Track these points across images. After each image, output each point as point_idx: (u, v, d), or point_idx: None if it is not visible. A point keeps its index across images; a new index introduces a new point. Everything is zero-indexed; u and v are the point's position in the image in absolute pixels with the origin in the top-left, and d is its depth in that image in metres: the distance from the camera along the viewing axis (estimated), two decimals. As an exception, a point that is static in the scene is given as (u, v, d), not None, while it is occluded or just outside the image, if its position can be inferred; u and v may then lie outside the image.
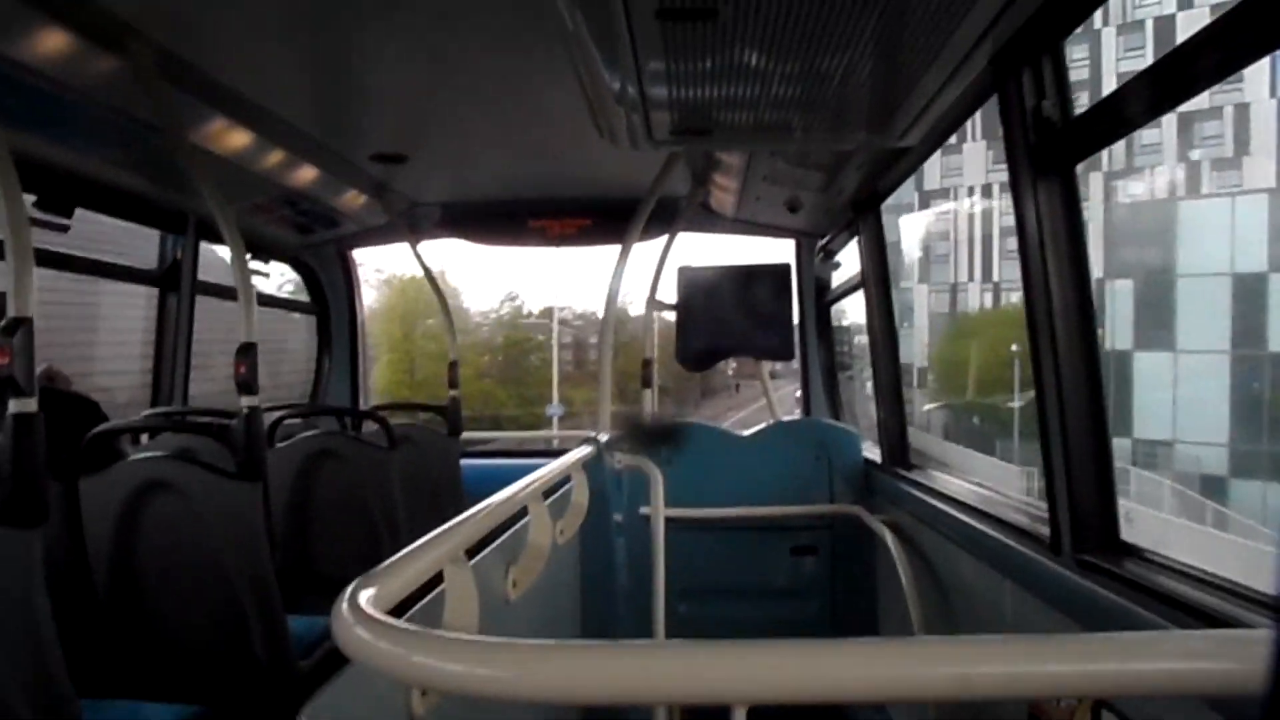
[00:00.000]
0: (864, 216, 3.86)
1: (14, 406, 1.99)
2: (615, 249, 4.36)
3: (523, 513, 2.28)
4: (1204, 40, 1.51)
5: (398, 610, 1.16)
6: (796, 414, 5.19)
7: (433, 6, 2.59)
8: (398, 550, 1.41)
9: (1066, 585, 1.99)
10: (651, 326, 4.78)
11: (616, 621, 3.76)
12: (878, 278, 3.88)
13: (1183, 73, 1.59)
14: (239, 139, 3.48)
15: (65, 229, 3.35)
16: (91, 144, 3.21)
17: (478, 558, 1.77)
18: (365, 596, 1.12)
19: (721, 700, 0.94)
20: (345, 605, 1.09)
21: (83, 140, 3.17)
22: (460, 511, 1.73)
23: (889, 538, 3.38)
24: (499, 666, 0.93)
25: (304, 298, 5.52)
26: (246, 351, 2.94)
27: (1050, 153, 2.01)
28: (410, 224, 5.06)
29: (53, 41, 2.51)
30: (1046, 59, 2.01)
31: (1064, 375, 2.00)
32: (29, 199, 3.05)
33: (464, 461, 5.01)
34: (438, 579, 1.58)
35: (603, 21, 1.95)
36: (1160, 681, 0.98)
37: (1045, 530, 2.17)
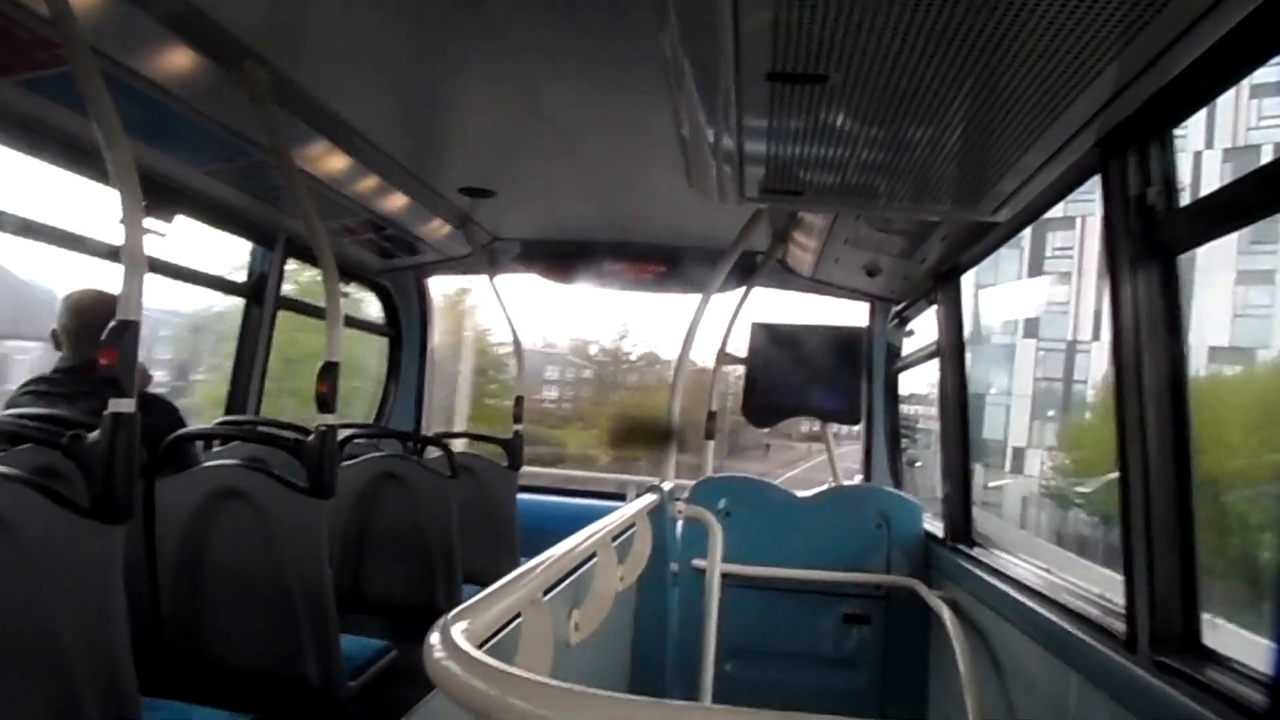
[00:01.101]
0: (944, 286, 3.83)
1: (113, 406, 2.05)
2: (682, 298, 4.38)
3: (587, 555, 2.28)
4: None
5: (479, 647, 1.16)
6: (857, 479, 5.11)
7: (532, 45, 2.66)
8: (450, 578, 1.42)
9: (1140, 686, 1.92)
10: (714, 379, 4.79)
11: (664, 674, 3.72)
12: (954, 348, 3.83)
13: None
14: (336, 163, 3.59)
15: (163, 235, 3.48)
16: (198, 157, 3.34)
17: (547, 598, 1.78)
18: (458, 630, 1.12)
19: None
20: (438, 637, 1.10)
21: (191, 153, 3.30)
22: (514, 545, 1.74)
23: (946, 615, 3.30)
24: (583, 717, 0.93)
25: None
26: (329, 371, 3.00)
27: (1152, 241, 1.98)
28: (490, 257, 5.15)
29: (178, 59, 2.63)
30: (1154, 145, 1.99)
31: (1152, 467, 1.95)
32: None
33: (520, 496, 5.03)
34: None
35: (710, 75, 1.97)
36: None
37: (1119, 625, 2.10)
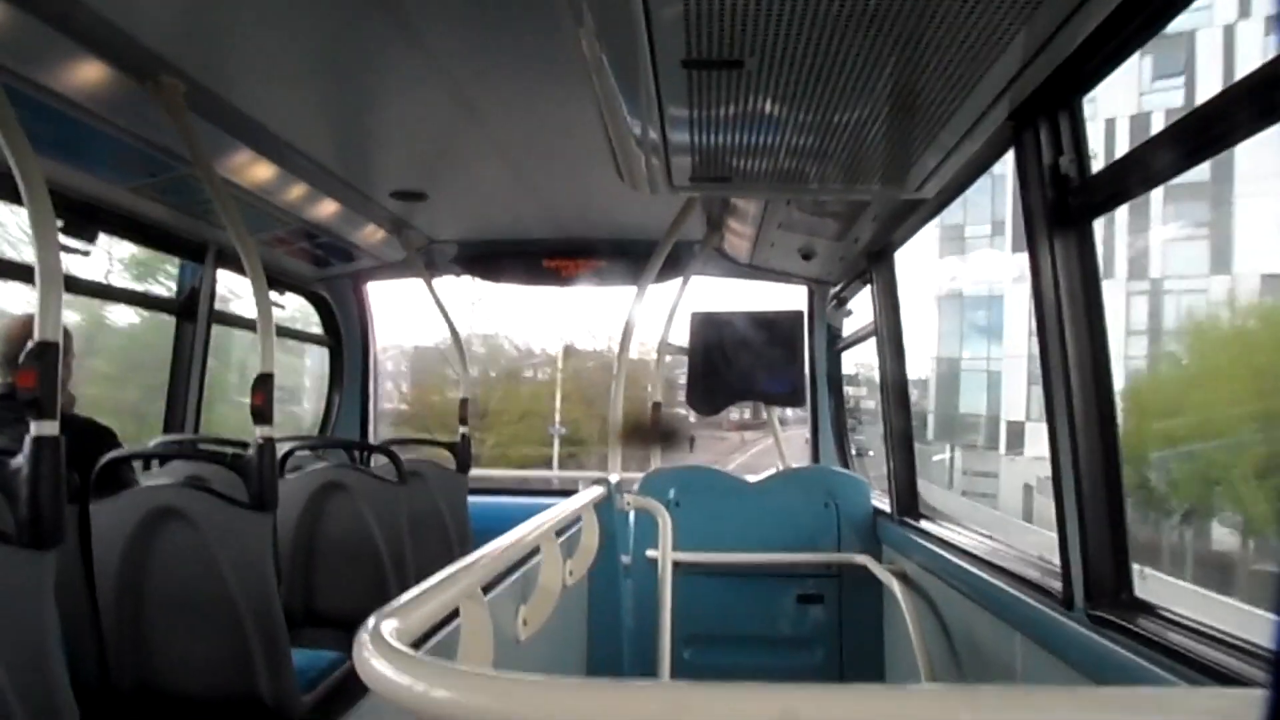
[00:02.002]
0: (878, 266, 3.89)
1: (36, 429, 2.00)
2: (626, 290, 4.39)
3: (533, 551, 2.27)
4: (1222, 103, 1.54)
5: (414, 646, 1.15)
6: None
7: (456, 48, 2.64)
8: (403, 586, 1.41)
9: (1078, 640, 1.98)
10: (657, 370, 4.82)
11: (621, 665, 3.73)
12: (891, 327, 3.89)
13: (1199, 134, 1.61)
14: (262, 172, 3.53)
15: (87, 254, 3.39)
16: (118, 173, 3.26)
17: (490, 595, 1.77)
18: (388, 629, 1.12)
19: None
20: (368, 636, 1.09)
21: (109, 169, 3.22)
22: (467, 548, 1.73)
23: (897, 587, 3.36)
24: (528, 703, 0.93)
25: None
26: (264, 382, 2.96)
27: (1066, 209, 2.03)
28: (426, 261, 5.11)
29: (88, 73, 2.56)
30: (1064, 116, 2.04)
31: (1078, 429, 2.01)
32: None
33: (471, 499, 5.00)
34: (446, 616, 1.58)
35: (628, 67, 1.98)
36: None
37: (1056, 584, 2.16)
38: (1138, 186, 1.84)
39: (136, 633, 2.88)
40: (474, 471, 5.22)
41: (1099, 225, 2.07)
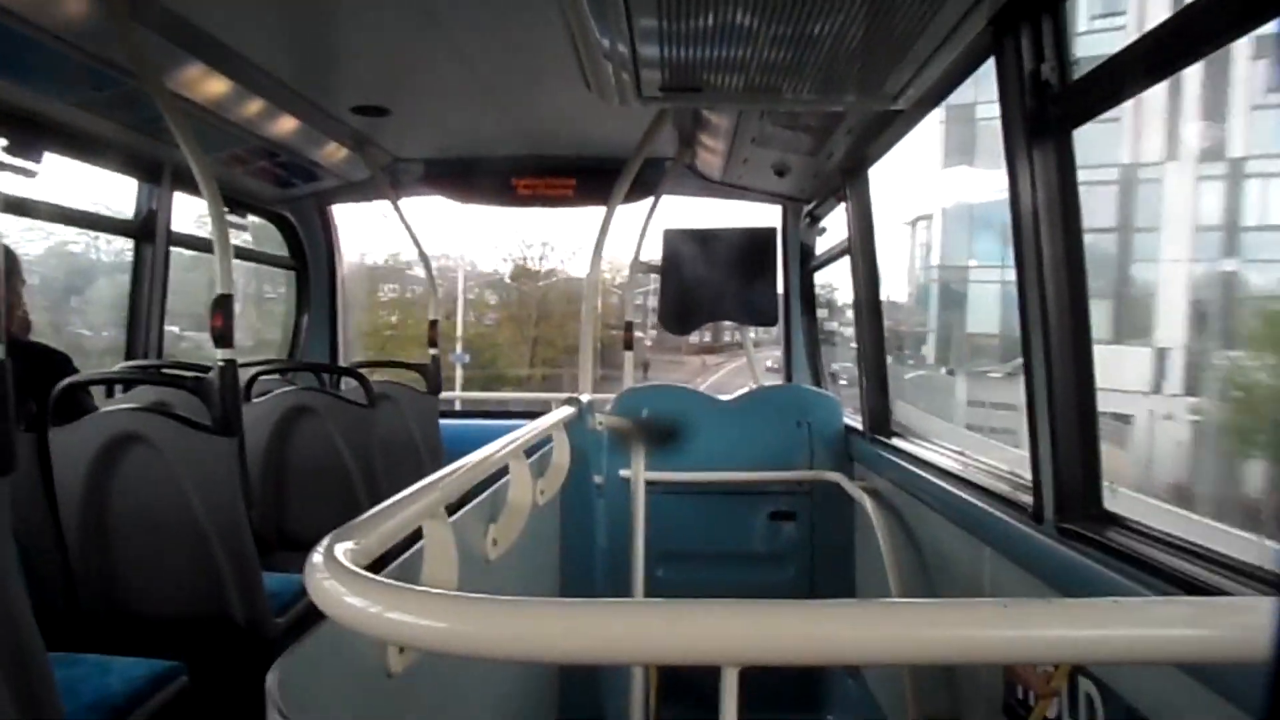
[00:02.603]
0: (853, 182, 3.82)
1: None
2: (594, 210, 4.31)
3: (503, 472, 2.25)
4: (1201, 8, 1.48)
5: (374, 567, 1.13)
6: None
7: None
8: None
9: (1047, 553, 1.99)
10: (629, 289, 4.77)
11: (594, 584, 3.76)
12: (864, 244, 3.85)
13: (1182, 37, 1.56)
14: (216, 87, 3.39)
15: (33, 175, 3.26)
16: (63, 88, 3.11)
17: (457, 515, 1.75)
18: (341, 550, 1.08)
19: (713, 660, 0.92)
20: (320, 558, 1.06)
21: (53, 84, 3.07)
22: (438, 470, 1.70)
23: (869, 504, 3.39)
24: (482, 624, 0.91)
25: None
26: (222, 304, 2.89)
27: (1047, 118, 1.98)
28: (392, 180, 4.99)
29: None
30: (1047, 20, 1.97)
31: (1052, 343, 1.99)
32: (-2, 142, 2.97)
33: (443, 422, 4.98)
34: (415, 537, 1.56)
35: None
36: (1139, 648, 0.98)
37: (1027, 498, 2.17)
38: (1121, 93, 1.79)
39: (103, 559, 2.86)
40: (446, 394, 5.19)
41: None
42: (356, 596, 0.97)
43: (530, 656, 0.92)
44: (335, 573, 1.02)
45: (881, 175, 3.78)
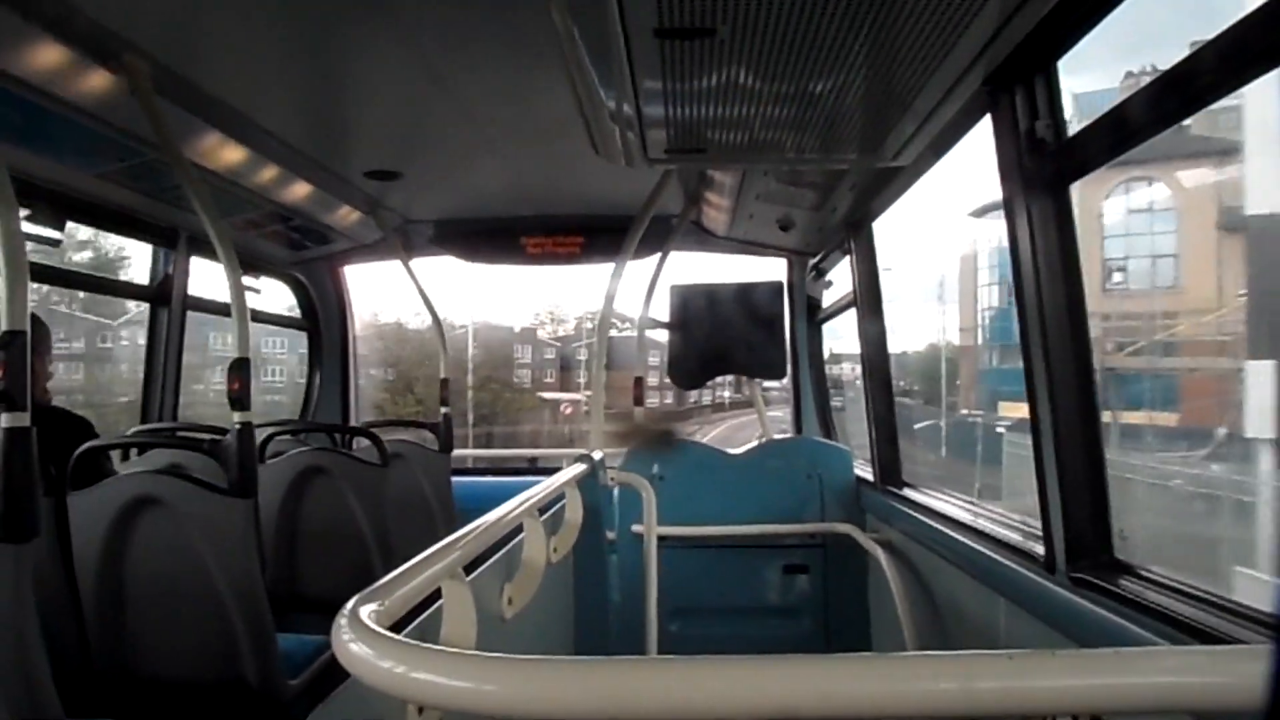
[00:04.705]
0: (857, 235, 3.88)
1: (6, 421, 1.97)
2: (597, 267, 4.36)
3: (517, 530, 2.27)
4: (1197, 61, 1.53)
5: (394, 627, 1.15)
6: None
7: (428, 24, 2.60)
8: (389, 568, 1.39)
9: (1060, 603, 1.99)
10: (639, 346, 4.81)
11: (609, 639, 3.74)
12: (870, 297, 3.89)
13: (1176, 94, 1.60)
14: (233, 154, 3.48)
15: (57, 244, 3.34)
16: (84, 158, 3.20)
17: (474, 575, 1.76)
18: (366, 612, 1.11)
19: (724, 715, 0.93)
20: (346, 620, 1.08)
21: (75, 155, 3.16)
22: (451, 529, 1.72)
23: (881, 556, 3.38)
24: (506, 683, 0.93)
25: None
26: (240, 367, 2.92)
27: (1043, 173, 2.03)
28: (403, 241, 5.06)
29: (48, 55, 2.50)
30: (1040, 80, 2.03)
31: (1057, 394, 2.01)
32: (21, 213, 3.04)
33: (455, 479, 4.99)
34: (432, 595, 1.57)
35: (600, 39, 1.95)
36: (1156, 697, 0.98)
37: (1039, 548, 2.17)
38: (1115, 149, 1.84)
39: (119, 623, 2.86)
40: (457, 451, 5.21)
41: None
42: (383, 658, 0.99)
43: (556, 715, 0.93)
44: (362, 635, 1.04)
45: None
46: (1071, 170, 1.98)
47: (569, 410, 20.29)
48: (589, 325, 22.09)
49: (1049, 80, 2.04)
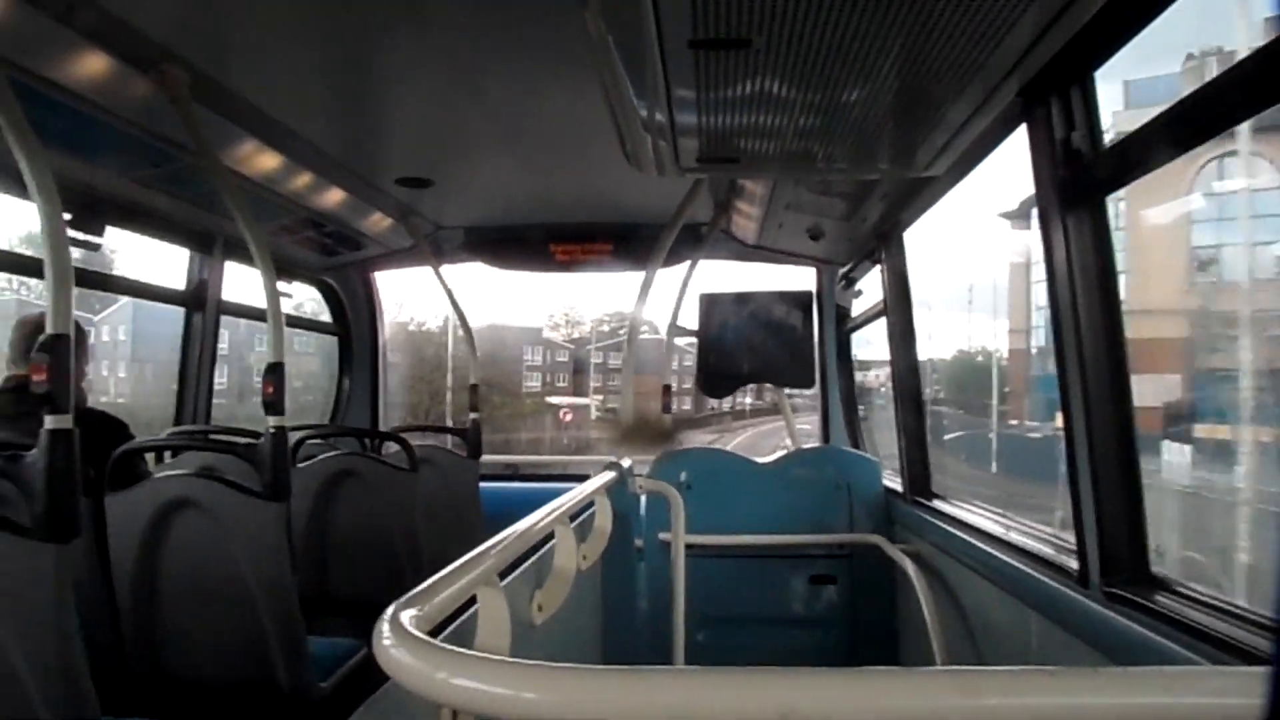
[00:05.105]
0: (887, 244, 3.86)
1: (50, 423, 2.01)
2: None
3: (547, 537, 2.28)
4: (1237, 76, 1.52)
5: (432, 634, 1.16)
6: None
7: (461, 32, 2.63)
8: (417, 572, 1.41)
9: (1094, 618, 1.97)
10: (667, 354, 4.81)
11: (637, 648, 3.74)
12: (901, 306, 3.87)
13: (1214, 107, 1.59)
14: (268, 161, 3.52)
15: (97, 248, 3.40)
16: (124, 164, 3.26)
17: (505, 581, 1.78)
18: (407, 617, 1.12)
19: None
20: (387, 625, 1.09)
21: (116, 161, 3.22)
22: (479, 534, 1.73)
23: (910, 568, 3.36)
24: (546, 691, 0.93)
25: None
26: (274, 371, 2.96)
27: (1079, 185, 2.01)
28: (433, 248, 5.10)
29: (90, 64, 2.56)
30: (1076, 90, 2.02)
31: (1093, 407, 1.99)
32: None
33: (482, 485, 5.02)
34: (466, 602, 1.58)
35: (634, 48, 1.96)
36: (1194, 718, 0.97)
37: (1072, 562, 2.15)
38: (1153, 161, 1.82)
39: (154, 623, 2.90)
40: (485, 457, 5.24)
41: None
42: (425, 663, 1.00)
43: None
44: (403, 640, 1.05)
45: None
46: (1108, 182, 1.97)
47: (569, 416, 19.73)
48: (604, 329, 21.92)
49: (1085, 91, 2.03)
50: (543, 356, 22.04)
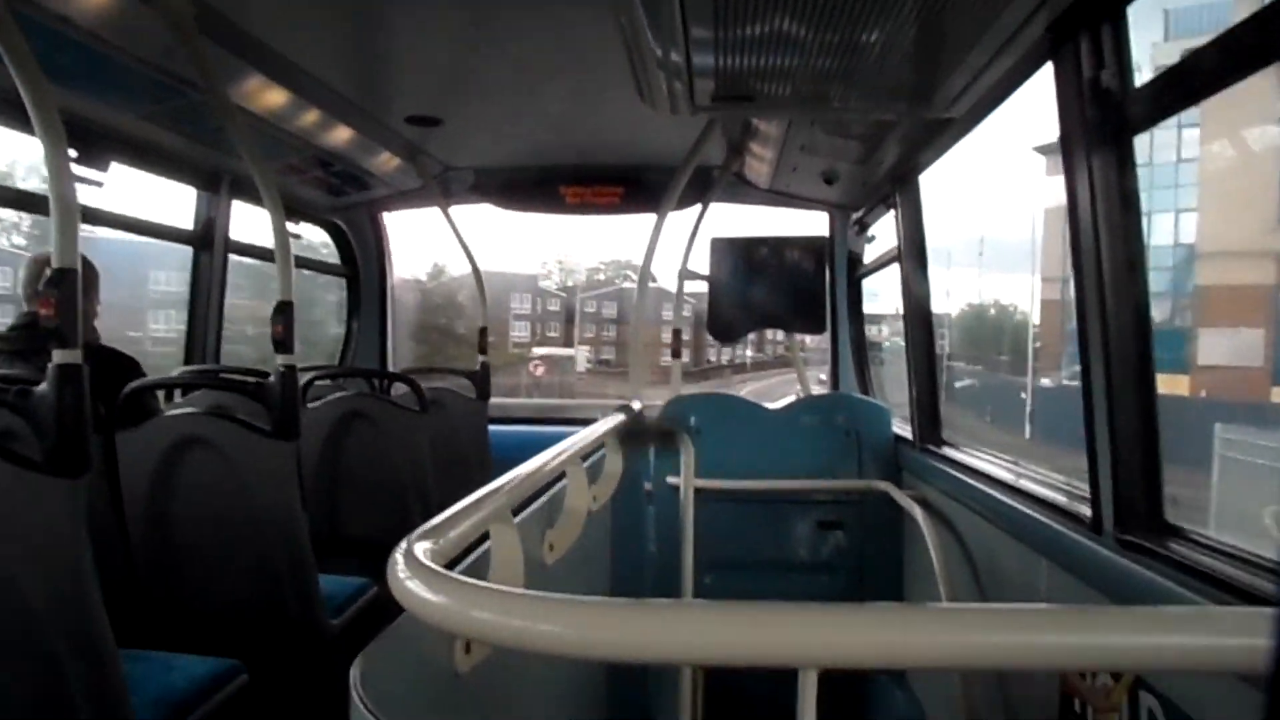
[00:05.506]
0: (903, 189, 3.81)
1: (58, 357, 2.00)
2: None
3: (557, 479, 2.28)
4: (1270, 14, 1.46)
5: (447, 568, 1.15)
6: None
7: None
8: (426, 512, 1.41)
9: (1107, 565, 1.97)
10: (678, 297, 4.78)
11: (645, 590, 3.77)
12: (915, 252, 3.83)
13: (1248, 44, 1.54)
14: (275, 98, 3.47)
15: (100, 185, 3.37)
16: (128, 100, 3.21)
17: (518, 519, 1.78)
18: (421, 549, 1.11)
19: (795, 663, 0.93)
20: (402, 557, 1.09)
21: (120, 96, 3.17)
22: (488, 476, 1.72)
23: (919, 514, 3.36)
24: (564, 623, 0.93)
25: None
26: (283, 310, 2.95)
27: (1107, 125, 1.96)
28: (442, 188, 5.06)
29: None
30: (1106, 26, 1.96)
31: (1113, 351, 1.97)
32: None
33: (491, 427, 5.03)
34: (476, 539, 1.58)
35: None
36: (1201, 658, 0.97)
37: (1085, 509, 2.14)
38: (1186, 99, 1.77)
39: (167, 557, 2.94)
40: (494, 400, 5.25)
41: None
42: (441, 595, 1.00)
43: (616, 656, 0.94)
44: (418, 572, 1.04)
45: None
46: (1138, 122, 1.92)
47: (539, 370, 19.02)
48: (600, 276, 21.46)
49: (1116, 27, 1.97)
50: (533, 305, 20.88)
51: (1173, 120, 2.11)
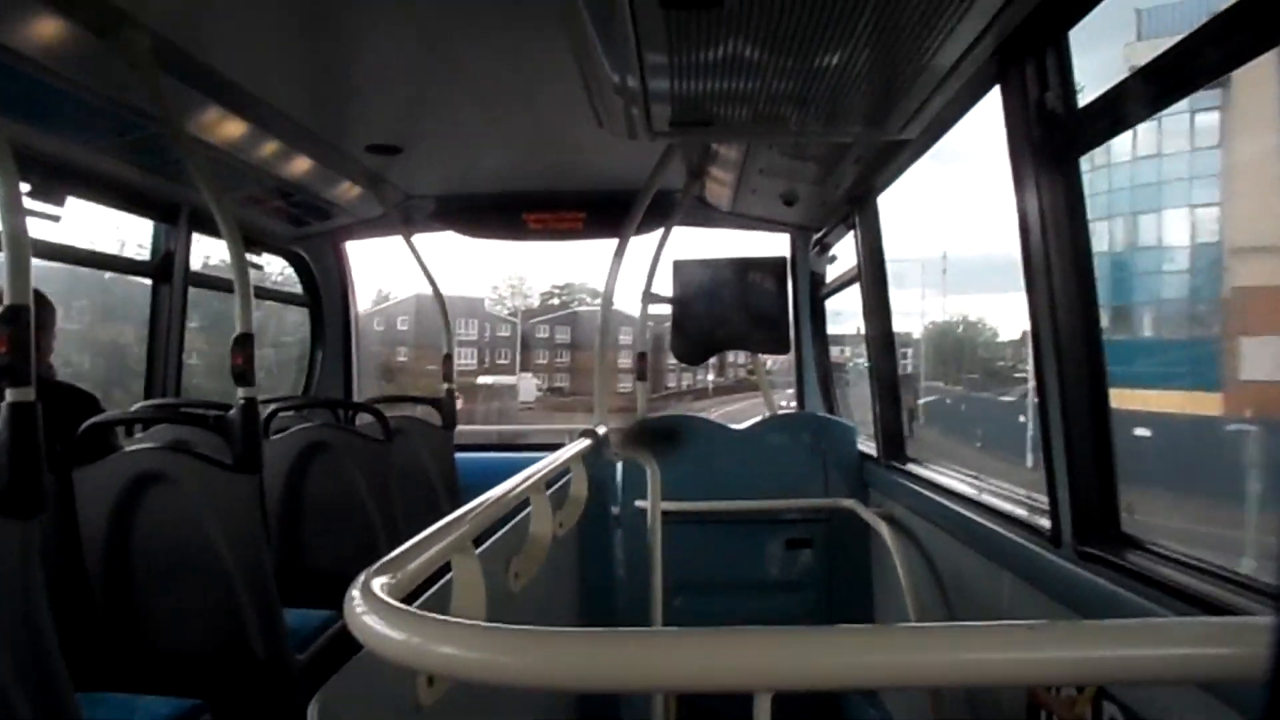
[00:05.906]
0: (861, 210, 3.86)
1: (11, 396, 1.97)
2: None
3: (522, 505, 2.27)
4: (1209, 33, 1.51)
5: (406, 601, 1.15)
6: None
7: None
8: (393, 542, 1.40)
9: (1066, 577, 2.00)
10: (641, 321, 4.80)
11: (614, 614, 3.76)
12: (874, 271, 3.88)
13: (1188, 65, 1.59)
14: (234, 129, 3.45)
15: (57, 219, 3.32)
16: (85, 133, 3.18)
17: (480, 549, 1.77)
18: (378, 584, 1.11)
19: (748, 687, 0.94)
20: (359, 593, 1.08)
21: (76, 129, 3.14)
22: (455, 504, 1.72)
23: (885, 530, 3.38)
24: (521, 654, 0.93)
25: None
26: (243, 343, 2.92)
27: (1053, 145, 2.01)
28: (404, 217, 5.04)
29: (48, 29, 2.48)
30: (1050, 51, 2.01)
31: (1066, 367, 2.01)
32: (23, 188, 3.03)
33: (457, 455, 5.00)
34: (439, 570, 1.58)
35: (605, 11, 1.93)
36: (1161, 668, 0.98)
37: (1045, 522, 2.17)
38: (1127, 120, 1.82)
39: (127, 597, 2.88)
40: (460, 427, 5.22)
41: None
42: (399, 630, 0.99)
43: (575, 686, 0.94)
44: (375, 607, 1.04)
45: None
46: (1082, 142, 1.97)
47: (460, 402, 17.76)
48: (555, 301, 21.21)
49: (1059, 51, 2.02)
50: (479, 330, 19.94)
51: (1184, 105, 2.11)
